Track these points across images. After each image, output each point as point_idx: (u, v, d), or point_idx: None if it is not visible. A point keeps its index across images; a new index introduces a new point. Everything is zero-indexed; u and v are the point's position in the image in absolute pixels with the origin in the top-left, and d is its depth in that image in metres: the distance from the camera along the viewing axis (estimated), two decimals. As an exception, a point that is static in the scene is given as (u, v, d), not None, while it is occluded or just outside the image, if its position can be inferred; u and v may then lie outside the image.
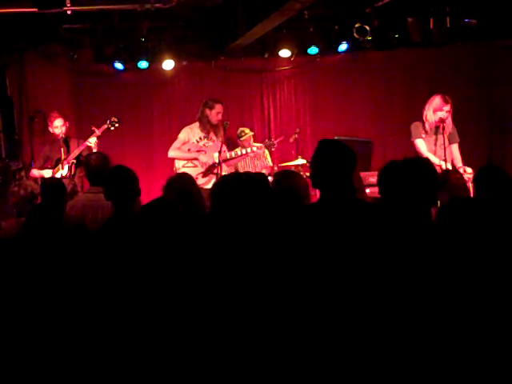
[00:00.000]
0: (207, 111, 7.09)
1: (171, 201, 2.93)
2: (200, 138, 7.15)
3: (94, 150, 6.68)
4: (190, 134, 7.17)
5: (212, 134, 7.16)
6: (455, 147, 6.40)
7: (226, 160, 7.03)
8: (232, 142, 7.73)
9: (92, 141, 6.84)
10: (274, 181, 4.07)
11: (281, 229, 3.09)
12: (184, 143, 7.17)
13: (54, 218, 3.51)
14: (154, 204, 2.74)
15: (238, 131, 7.87)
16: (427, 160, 3.43)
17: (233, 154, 7.12)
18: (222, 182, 2.62)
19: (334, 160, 3.05)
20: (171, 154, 7.18)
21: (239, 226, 2.42)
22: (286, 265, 2.66)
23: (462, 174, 5.08)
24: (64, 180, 6.09)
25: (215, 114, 7.06)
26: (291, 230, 3.07)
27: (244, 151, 7.17)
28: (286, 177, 4.08)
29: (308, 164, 7.18)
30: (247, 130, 7.83)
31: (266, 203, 2.44)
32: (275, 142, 7.17)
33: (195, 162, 7.08)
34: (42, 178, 6.61)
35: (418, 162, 3.18)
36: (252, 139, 7.79)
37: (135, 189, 3.92)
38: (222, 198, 2.50)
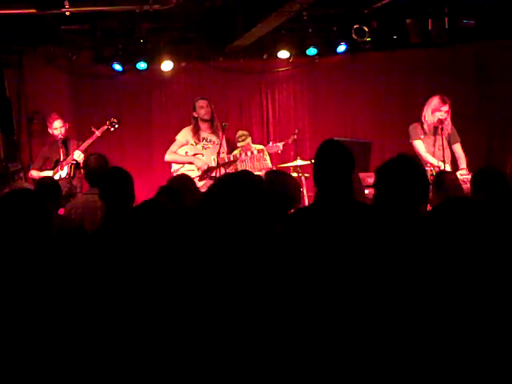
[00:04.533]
0: (194, 113, 7.24)
1: (163, 202, 2.92)
2: (198, 140, 7.17)
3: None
4: (189, 135, 7.19)
5: (210, 135, 7.17)
6: (457, 147, 6.40)
7: (224, 164, 7.04)
8: (231, 144, 7.73)
9: (77, 154, 6.82)
10: (266, 181, 4.04)
11: (277, 230, 3.11)
12: (182, 145, 7.19)
13: (42, 218, 3.51)
14: (145, 206, 2.74)
15: (237, 135, 7.88)
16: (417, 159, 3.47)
17: (231, 157, 7.13)
18: (217, 184, 2.61)
19: (333, 161, 3.07)
20: (167, 157, 7.25)
21: (233, 227, 2.42)
22: (283, 266, 2.67)
23: (456, 175, 5.09)
24: (61, 181, 6.09)
25: (199, 109, 7.18)
26: (289, 232, 3.08)
27: (243, 155, 7.17)
28: (278, 177, 4.07)
29: (307, 165, 7.19)
30: (245, 135, 7.83)
31: (258, 205, 2.43)
32: (280, 145, 7.17)
33: (191, 165, 7.08)
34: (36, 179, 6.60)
35: (409, 159, 3.20)
36: (251, 144, 7.77)
37: (129, 191, 3.87)
38: (217, 200, 2.49)
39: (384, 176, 3.07)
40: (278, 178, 4.04)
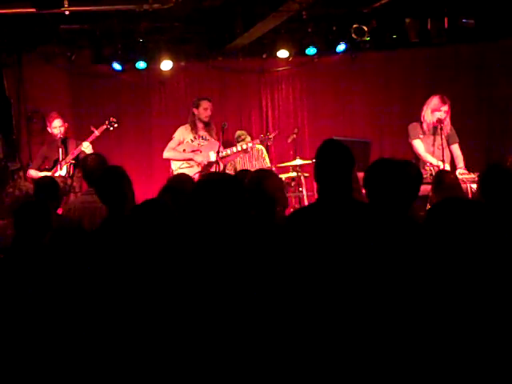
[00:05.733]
0: (194, 110, 7.17)
1: (164, 201, 2.92)
2: (194, 138, 7.17)
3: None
4: (185, 133, 7.19)
5: (205, 134, 7.17)
6: (456, 147, 6.39)
7: (222, 157, 7.05)
8: (230, 144, 7.73)
9: (85, 145, 6.83)
10: (248, 182, 4.00)
11: (276, 230, 3.11)
12: (179, 143, 7.18)
13: (42, 216, 3.52)
14: (146, 205, 2.74)
15: (236, 135, 7.87)
16: (408, 162, 3.48)
17: (228, 151, 7.12)
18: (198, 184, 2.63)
19: (334, 161, 3.09)
20: (166, 154, 7.21)
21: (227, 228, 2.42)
22: (282, 265, 2.67)
23: (456, 174, 5.08)
24: (58, 178, 6.09)
25: (202, 110, 7.12)
26: (288, 231, 3.09)
27: (239, 148, 7.17)
28: (261, 177, 4.02)
29: (306, 164, 7.19)
30: (244, 135, 7.82)
31: (236, 204, 2.44)
32: (270, 136, 7.16)
33: (191, 162, 7.09)
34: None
35: (396, 163, 3.22)
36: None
37: (125, 190, 3.86)
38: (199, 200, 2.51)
39: (369, 178, 3.11)
40: (260, 178, 3.97)
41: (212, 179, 2.71)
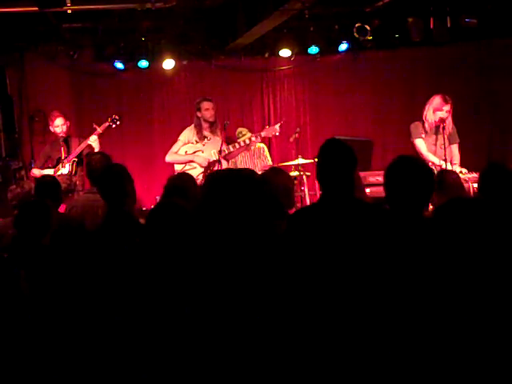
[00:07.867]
0: (198, 114, 7.15)
1: (182, 205, 2.86)
2: (199, 139, 7.17)
3: (96, 149, 6.67)
4: (190, 134, 7.19)
5: (209, 134, 7.17)
6: (455, 147, 6.40)
7: (225, 155, 7.05)
8: (231, 142, 7.73)
9: (92, 139, 6.83)
10: (260, 178, 3.99)
11: (277, 228, 3.11)
12: (184, 144, 7.18)
13: (42, 214, 3.53)
14: (163, 208, 2.70)
15: (237, 132, 7.87)
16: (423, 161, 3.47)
17: (231, 147, 7.11)
18: (211, 180, 2.57)
19: (336, 160, 3.08)
20: (168, 158, 7.22)
21: (232, 226, 2.39)
22: (286, 265, 2.67)
23: (457, 174, 5.07)
24: (60, 177, 6.10)
25: (204, 111, 7.10)
26: (292, 230, 3.08)
27: (242, 143, 7.16)
28: (272, 175, 4.03)
29: (308, 163, 7.19)
30: (245, 131, 7.82)
31: (255, 201, 2.38)
32: (276, 126, 7.15)
33: (193, 163, 7.07)
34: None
35: (417, 160, 3.20)
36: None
37: (127, 188, 3.87)
38: (211, 196, 2.46)
39: (393, 176, 3.05)
40: (270, 176, 3.99)
41: (221, 177, 2.60)
